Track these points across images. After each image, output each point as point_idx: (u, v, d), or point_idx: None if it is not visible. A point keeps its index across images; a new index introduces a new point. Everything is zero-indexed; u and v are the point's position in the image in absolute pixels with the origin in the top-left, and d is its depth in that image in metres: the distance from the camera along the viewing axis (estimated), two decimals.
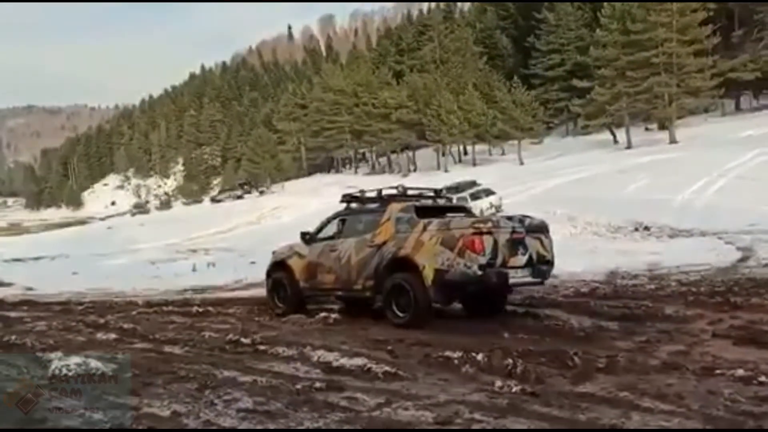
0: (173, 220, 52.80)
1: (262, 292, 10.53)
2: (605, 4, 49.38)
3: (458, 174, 52.97)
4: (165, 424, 3.98)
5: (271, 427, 3.91)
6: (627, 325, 6.85)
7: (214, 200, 76.84)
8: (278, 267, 9.89)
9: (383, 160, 70.27)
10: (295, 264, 9.56)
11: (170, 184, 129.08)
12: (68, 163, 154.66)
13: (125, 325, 8.72)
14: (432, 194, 9.50)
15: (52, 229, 70.50)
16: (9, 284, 18.72)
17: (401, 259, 8.04)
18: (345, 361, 5.60)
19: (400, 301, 7.91)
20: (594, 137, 53.20)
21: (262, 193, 68.38)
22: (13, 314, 11.20)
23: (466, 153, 64.69)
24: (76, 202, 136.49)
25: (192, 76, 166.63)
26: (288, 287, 9.56)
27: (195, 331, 8.05)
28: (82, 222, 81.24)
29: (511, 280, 7.64)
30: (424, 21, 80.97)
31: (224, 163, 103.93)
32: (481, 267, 7.35)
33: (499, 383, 4.67)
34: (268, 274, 10.09)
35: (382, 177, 61.00)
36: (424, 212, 8.49)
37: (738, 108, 52.82)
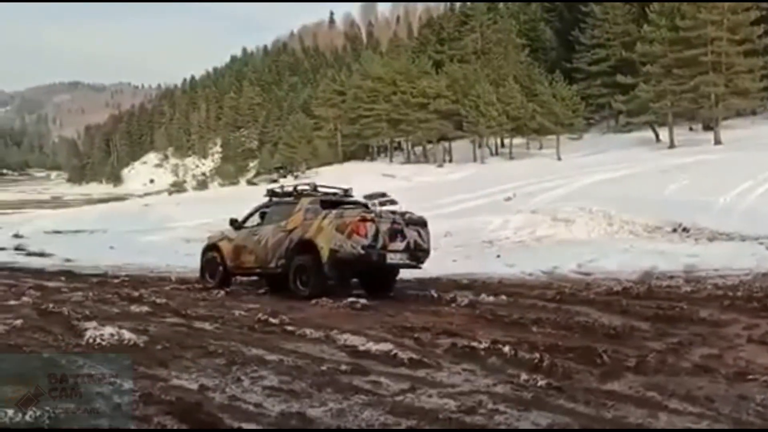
0: (209, 201, 53.43)
1: None
2: None
3: (495, 166, 52.61)
4: (192, 396, 4.06)
5: (295, 405, 3.95)
6: (659, 326, 6.71)
7: (249, 183, 77.68)
8: (211, 248, 11.46)
9: (419, 149, 69.96)
10: (225, 246, 11.11)
11: (208, 164, 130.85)
12: (110, 140, 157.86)
13: (158, 300, 8.93)
14: (340, 192, 11.07)
15: (92, 203, 72.18)
16: (49, 255, 19.32)
17: (306, 242, 9.66)
18: (371, 346, 5.61)
19: (302, 277, 9.50)
20: (635, 135, 52.03)
21: (296, 177, 68.80)
22: (51, 284, 11.57)
23: (503, 146, 63.99)
24: (116, 179, 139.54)
25: (233, 58, 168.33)
26: (218, 265, 11.07)
27: (225, 309, 8.20)
28: (120, 198, 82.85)
29: (390, 261, 9.41)
30: (467, 11, 79.89)
31: (261, 146, 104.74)
32: (363, 248, 9.10)
33: (524, 376, 4.62)
34: (203, 253, 11.59)
35: (418, 166, 60.82)
36: (329, 205, 10.10)
37: None
